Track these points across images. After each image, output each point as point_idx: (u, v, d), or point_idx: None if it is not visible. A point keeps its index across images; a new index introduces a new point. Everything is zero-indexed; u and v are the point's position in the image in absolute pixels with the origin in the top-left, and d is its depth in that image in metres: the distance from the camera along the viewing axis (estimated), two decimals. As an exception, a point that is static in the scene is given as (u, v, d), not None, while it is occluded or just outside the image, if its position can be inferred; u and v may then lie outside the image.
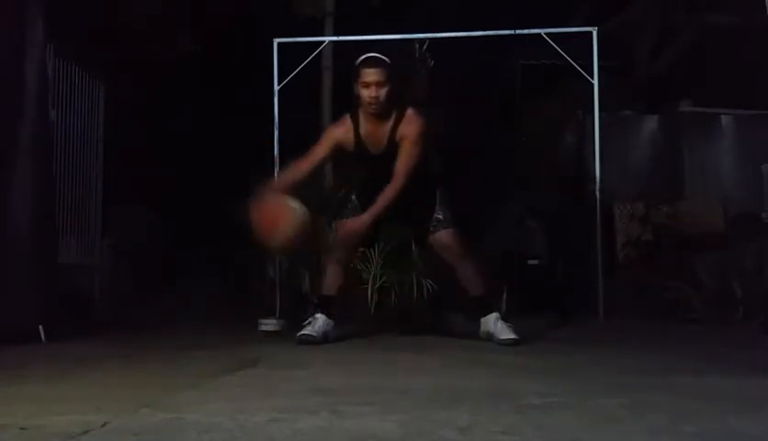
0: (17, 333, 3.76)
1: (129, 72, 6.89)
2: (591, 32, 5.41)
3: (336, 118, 6.54)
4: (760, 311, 4.64)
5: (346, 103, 6.68)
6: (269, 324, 4.87)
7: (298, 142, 5.94)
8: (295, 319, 4.72)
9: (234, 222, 6.07)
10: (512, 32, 5.58)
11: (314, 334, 3.82)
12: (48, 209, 4.26)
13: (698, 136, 6.89)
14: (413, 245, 4.46)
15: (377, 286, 5.32)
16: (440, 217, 3.99)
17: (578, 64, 5.45)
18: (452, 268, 4.01)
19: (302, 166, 4.04)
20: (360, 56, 3.95)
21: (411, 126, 3.91)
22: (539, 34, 5.45)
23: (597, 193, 5.29)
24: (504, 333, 3.81)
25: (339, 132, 4.03)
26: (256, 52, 5.93)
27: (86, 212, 5.73)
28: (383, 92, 3.86)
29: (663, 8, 7.98)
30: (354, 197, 4.14)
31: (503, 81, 8.85)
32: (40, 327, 3.88)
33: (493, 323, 3.87)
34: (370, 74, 3.87)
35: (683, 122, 6.98)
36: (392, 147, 3.92)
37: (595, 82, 5.38)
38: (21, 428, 1.82)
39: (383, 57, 3.93)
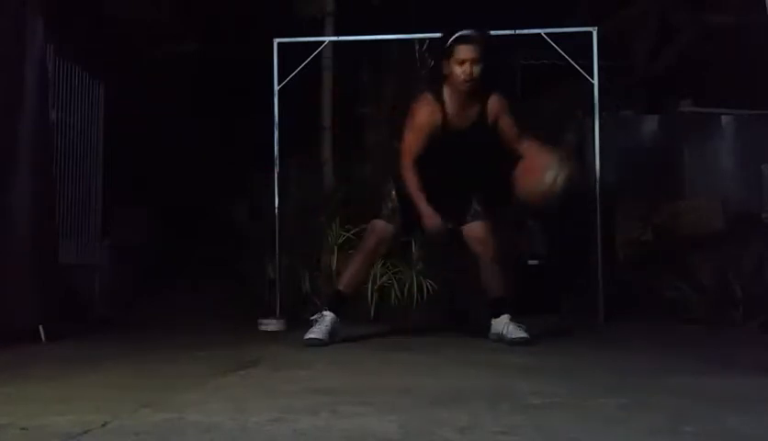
0: (17, 333, 3.76)
1: (129, 72, 6.88)
2: (591, 32, 5.41)
3: (336, 117, 6.58)
4: (760, 311, 4.64)
5: (346, 103, 6.71)
6: (269, 324, 4.87)
7: (298, 142, 5.96)
8: (295, 319, 4.73)
9: (234, 222, 6.10)
10: (512, 32, 5.58)
11: (321, 337, 3.82)
12: (48, 209, 4.26)
13: (698, 136, 6.88)
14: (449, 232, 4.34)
15: (377, 286, 5.34)
16: (478, 208, 4.01)
17: (578, 64, 5.45)
18: (479, 262, 3.99)
19: (409, 160, 3.93)
20: (453, 34, 3.91)
21: (499, 105, 3.97)
22: (539, 34, 5.45)
23: (597, 193, 5.28)
24: (515, 332, 3.81)
25: (428, 118, 3.94)
26: (256, 52, 5.92)
27: (86, 212, 5.73)
28: (477, 69, 3.85)
29: (663, 8, 7.97)
30: (394, 193, 4.05)
31: (503, 81, 8.84)
32: (40, 327, 3.88)
33: (504, 325, 3.87)
34: (466, 51, 3.85)
35: (683, 122, 6.97)
36: (479, 127, 3.93)
37: (595, 82, 5.37)
38: (21, 428, 1.82)
39: (478, 34, 3.92)
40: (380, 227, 4.03)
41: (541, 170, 3.71)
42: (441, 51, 4.01)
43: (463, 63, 3.84)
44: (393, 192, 4.06)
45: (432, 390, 2.41)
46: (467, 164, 4.01)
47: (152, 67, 7.47)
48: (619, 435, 1.77)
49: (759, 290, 4.86)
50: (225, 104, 8.15)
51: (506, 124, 3.98)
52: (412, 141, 3.93)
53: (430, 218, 3.85)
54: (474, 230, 3.98)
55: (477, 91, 3.92)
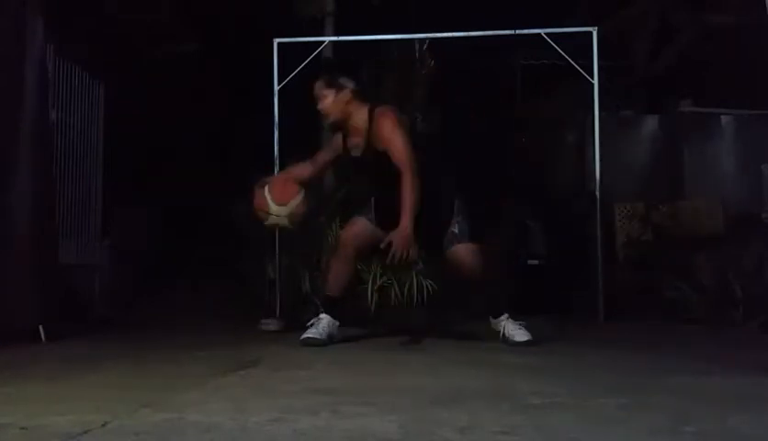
0: (17, 333, 3.76)
1: (129, 72, 6.89)
2: (591, 32, 5.41)
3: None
4: (760, 311, 4.64)
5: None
6: (269, 324, 4.87)
7: (298, 142, 5.96)
8: (295, 319, 4.72)
9: (234, 222, 6.09)
10: (512, 32, 5.58)
11: (318, 337, 3.81)
12: (48, 209, 4.25)
13: (698, 136, 6.89)
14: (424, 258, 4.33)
15: (377, 286, 5.33)
16: (455, 231, 3.85)
17: (578, 64, 5.45)
18: (469, 283, 3.99)
19: (307, 168, 4.14)
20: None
21: (383, 124, 3.83)
22: (539, 34, 5.46)
23: (597, 193, 5.29)
24: (518, 334, 3.80)
25: (337, 140, 4.09)
26: (256, 52, 5.92)
27: (86, 212, 5.73)
28: (324, 103, 3.93)
29: (663, 8, 7.98)
30: (373, 198, 4.07)
31: (503, 81, 8.85)
32: (40, 327, 3.88)
33: (504, 324, 3.87)
34: (314, 91, 4.00)
35: (683, 122, 6.98)
36: (372, 152, 3.87)
37: (595, 82, 5.38)
38: (21, 428, 1.82)
39: (322, 71, 4.10)
40: (352, 223, 4.06)
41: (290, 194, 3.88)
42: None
43: (317, 101, 3.98)
44: (372, 200, 4.09)
45: (432, 390, 2.41)
46: (385, 186, 3.88)
47: (152, 67, 7.48)
48: (619, 435, 1.77)
49: (759, 290, 4.87)
50: (225, 104, 8.16)
51: (392, 150, 3.78)
52: (322, 152, 4.20)
53: (402, 243, 3.66)
54: (453, 255, 3.86)
55: (343, 119, 3.93)
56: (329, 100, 3.91)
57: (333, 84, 3.93)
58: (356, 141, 3.94)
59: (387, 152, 3.79)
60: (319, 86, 3.97)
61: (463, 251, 3.83)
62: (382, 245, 3.73)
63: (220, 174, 7.34)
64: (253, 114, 6.23)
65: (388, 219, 3.84)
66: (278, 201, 3.89)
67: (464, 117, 7.44)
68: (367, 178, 4.15)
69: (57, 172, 5.03)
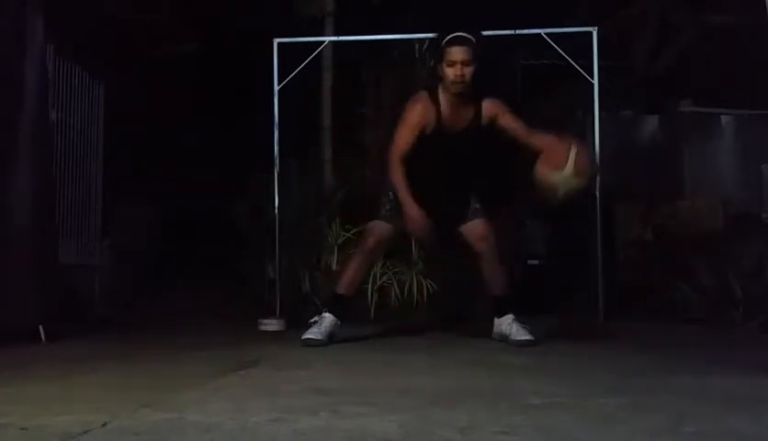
0: (17, 333, 3.76)
1: (129, 72, 6.88)
2: (591, 32, 5.41)
3: (336, 117, 6.58)
4: (760, 311, 4.64)
5: (346, 103, 6.70)
6: (269, 324, 4.87)
7: (298, 142, 5.96)
8: (295, 319, 4.72)
9: (234, 222, 6.09)
10: (512, 32, 5.58)
11: (319, 337, 3.81)
12: (48, 209, 4.25)
13: (698, 136, 6.89)
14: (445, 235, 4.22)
15: (377, 286, 5.34)
16: (477, 206, 3.99)
17: (578, 64, 5.45)
18: (480, 261, 3.97)
19: (398, 160, 3.89)
20: (446, 36, 3.87)
21: (494, 106, 3.95)
22: (539, 34, 5.45)
23: (597, 193, 5.28)
24: (520, 333, 3.81)
25: (420, 116, 3.91)
26: (256, 52, 5.92)
27: (86, 212, 5.73)
28: (468, 71, 3.83)
29: (663, 8, 7.97)
30: (392, 194, 3.99)
31: (503, 81, 8.84)
32: (40, 327, 3.88)
33: (508, 324, 3.86)
34: (457, 53, 3.82)
35: (683, 122, 6.97)
36: (473, 129, 3.92)
37: (595, 82, 5.37)
38: (21, 428, 1.82)
39: (469, 36, 3.88)
40: (379, 228, 4.00)
41: (564, 156, 3.68)
42: (435, 54, 4.02)
43: (453, 65, 3.83)
44: (391, 193, 4.01)
45: (432, 390, 2.41)
46: (462, 166, 4.00)
47: (152, 67, 7.47)
48: (619, 435, 1.77)
49: (759, 290, 4.86)
50: (225, 104, 8.15)
51: (508, 121, 3.95)
52: (403, 138, 3.90)
53: (415, 220, 3.79)
54: (475, 228, 3.96)
55: (470, 93, 3.91)
56: (470, 69, 3.83)
57: (474, 55, 3.85)
58: (462, 115, 3.93)
59: (491, 128, 3.91)
60: (468, 52, 3.83)
61: (483, 225, 3.96)
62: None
63: (220, 174, 7.34)
64: (253, 114, 6.22)
65: (447, 205, 3.93)
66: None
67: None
68: (450, 154, 3.96)
69: (57, 172, 5.03)
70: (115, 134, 6.09)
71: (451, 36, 3.87)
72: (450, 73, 3.84)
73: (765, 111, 6.46)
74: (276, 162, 5.43)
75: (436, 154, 3.90)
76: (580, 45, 5.54)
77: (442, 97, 3.93)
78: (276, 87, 5.52)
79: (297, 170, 6.03)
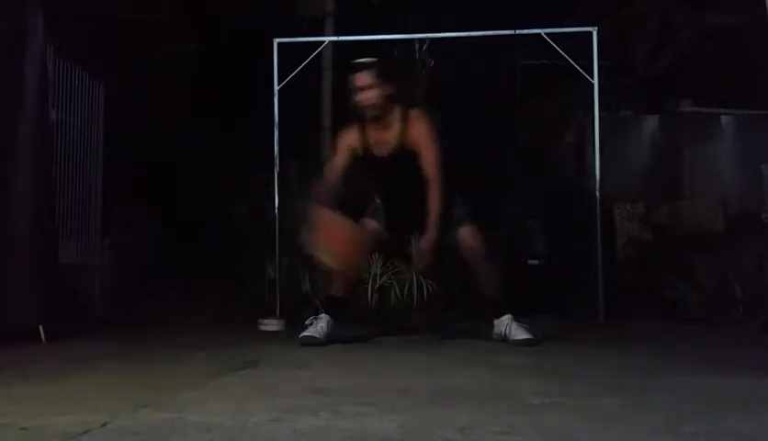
0: (17, 333, 3.76)
1: (129, 72, 6.88)
2: (591, 32, 5.41)
3: (337, 117, 6.58)
4: (760, 311, 4.64)
5: (346, 103, 6.70)
6: (269, 324, 4.87)
7: (298, 142, 5.96)
8: (295, 319, 4.73)
9: (234, 222, 6.09)
10: (512, 32, 5.58)
11: (316, 336, 3.81)
12: (48, 209, 4.25)
13: (698, 136, 6.89)
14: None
15: (377, 286, 5.34)
16: (460, 214, 3.98)
17: (578, 64, 5.45)
18: (469, 268, 3.97)
19: (331, 180, 3.96)
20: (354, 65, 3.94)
21: (419, 128, 3.88)
22: (539, 34, 5.46)
23: (597, 193, 5.29)
24: (519, 333, 3.81)
25: (350, 138, 3.98)
26: (256, 52, 5.92)
27: (86, 212, 5.73)
28: (373, 94, 3.85)
29: (663, 8, 7.98)
30: (379, 200, 4.07)
31: (503, 81, 8.85)
32: (40, 327, 3.88)
33: (507, 325, 3.86)
34: (358, 79, 3.88)
35: (683, 122, 6.97)
36: (402, 151, 3.88)
37: (595, 82, 5.38)
38: (21, 428, 1.82)
39: (370, 60, 3.92)
40: (367, 225, 4.03)
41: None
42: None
43: (358, 91, 3.87)
44: (378, 200, 4.08)
45: (432, 390, 2.41)
46: (408, 188, 3.90)
47: (152, 67, 7.47)
48: (619, 435, 1.77)
49: (759, 290, 4.86)
50: (225, 104, 8.15)
51: (424, 155, 3.85)
52: (334, 159, 4.01)
53: (430, 248, 3.79)
54: (459, 236, 3.92)
55: (387, 114, 3.89)
56: (374, 92, 3.85)
57: (380, 77, 3.87)
58: (387, 139, 3.91)
59: (416, 155, 3.83)
60: (365, 77, 3.86)
61: (466, 233, 3.91)
62: (414, 253, 3.78)
63: (220, 174, 7.34)
64: (253, 114, 6.22)
65: (397, 220, 3.91)
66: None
67: (463, 117, 7.43)
68: (381, 178, 4.05)
69: (57, 172, 5.03)
70: (115, 134, 6.09)
71: (353, 63, 3.95)
72: (357, 99, 3.89)
73: (765, 111, 6.46)
74: (276, 162, 5.43)
75: (384, 177, 3.98)
76: (580, 45, 5.55)
77: (367, 123, 3.95)
78: (276, 87, 5.52)
79: (297, 170, 6.03)
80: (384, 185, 4.04)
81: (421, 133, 3.87)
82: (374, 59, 3.92)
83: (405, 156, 3.86)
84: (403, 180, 3.87)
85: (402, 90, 3.96)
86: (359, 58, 4.00)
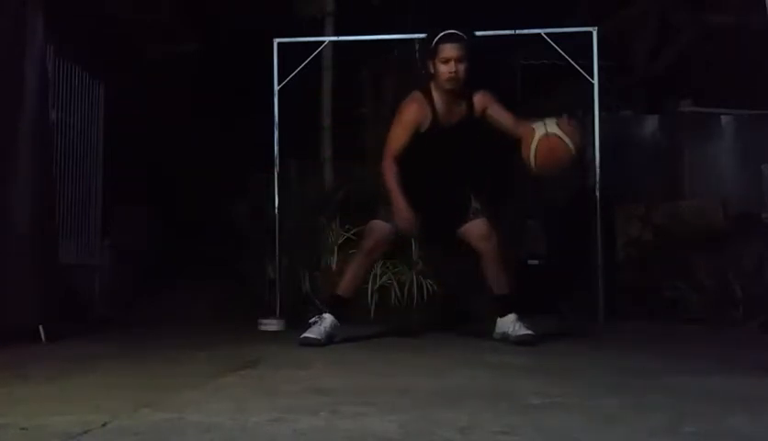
0: (17, 333, 3.76)
1: (129, 72, 6.88)
2: (591, 32, 5.41)
3: (337, 117, 6.58)
4: (760, 311, 4.64)
5: (346, 103, 6.70)
6: (269, 324, 4.87)
7: (298, 142, 5.96)
8: (295, 319, 4.73)
9: (234, 222, 6.09)
10: (512, 32, 5.58)
11: (318, 337, 3.81)
12: (48, 209, 4.25)
13: (698, 136, 6.89)
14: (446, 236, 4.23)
15: (377, 286, 5.33)
16: (477, 206, 4.00)
17: (578, 64, 5.44)
18: (481, 260, 3.96)
19: (396, 154, 3.91)
20: (438, 34, 3.92)
21: (485, 99, 3.98)
22: (539, 34, 5.45)
23: (597, 193, 5.28)
24: (522, 330, 3.81)
25: (416, 114, 3.95)
26: (256, 52, 5.92)
27: (86, 212, 5.73)
28: (462, 67, 3.87)
29: (663, 8, 7.97)
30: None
31: (503, 81, 8.84)
32: (40, 327, 3.88)
33: (511, 324, 3.87)
34: (450, 50, 3.87)
35: (683, 122, 6.97)
36: (468, 123, 3.96)
37: (595, 82, 5.37)
38: (21, 428, 1.82)
39: (462, 34, 3.92)
40: (379, 227, 4.00)
41: (529, 134, 3.70)
42: (427, 51, 4.04)
43: (447, 62, 3.87)
44: None
45: (432, 390, 2.41)
46: (460, 163, 4.02)
47: (152, 67, 7.47)
48: (619, 435, 1.77)
49: (759, 290, 4.86)
50: (225, 104, 8.15)
51: (496, 111, 3.98)
52: (398, 136, 3.93)
53: (403, 216, 3.81)
54: (477, 228, 3.95)
55: (463, 89, 3.94)
56: (462, 66, 3.88)
57: (468, 52, 3.89)
58: (458, 111, 3.97)
59: (483, 122, 3.95)
60: (460, 49, 3.87)
61: (484, 224, 3.95)
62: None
63: (220, 174, 7.34)
64: (253, 114, 6.22)
65: (450, 190, 3.98)
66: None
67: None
68: (444, 148, 3.98)
69: (57, 172, 5.03)
70: (115, 134, 6.09)
71: (444, 33, 3.91)
72: (444, 69, 3.87)
73: (765, 111, 6.46)
74: (276, 162, 5.43)
75: (434, 152, 3.92)
76: (580, 45, 5.54)
77: (435, 95, 3.96)
78: (276, 87, 5.51)
79: (297, 170, 6.03)
80: (447, 156, 3.99)
81: (488, 100, 3.99)
82: (463, 34, 3.92)
83: (473, 124, 3.95)
84: (470, 148, 3.97)
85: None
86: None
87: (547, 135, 3.66)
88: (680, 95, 7.23)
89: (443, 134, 3.94)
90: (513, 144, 3.95)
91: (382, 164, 3.91)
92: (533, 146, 3.67)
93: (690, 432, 1.77)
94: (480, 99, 3.99)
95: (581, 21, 6.02)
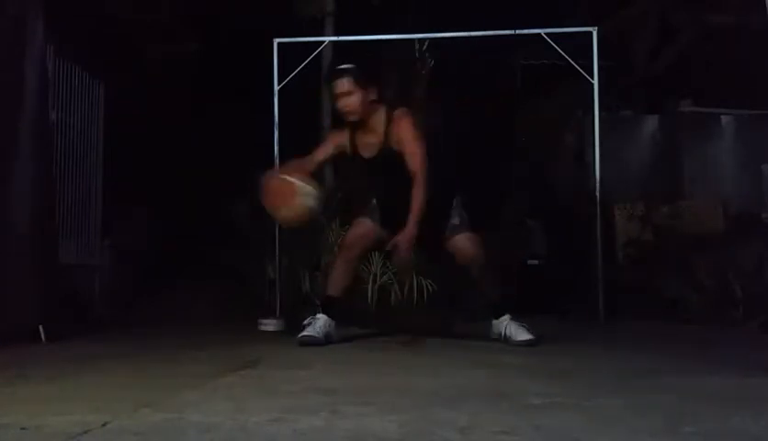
0: (17, 333, 3.76)
1: (129, 72, 6.88)
2: (591, 32, 5.41)
3: (337, 117, 6.59)
4: (760, 311, 4.64)
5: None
6: (269, 324, 4.87)
7: (298, 142, 5.96)
8: (295, 319, 4.73)
9: (234, 222, 6.09)
10: (512, 32, 5.58)
11: (315, 335, 3.82)
12: (48, 209, 4.25)
13: (698, 136, 6.89)
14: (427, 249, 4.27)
15: (377, 286, 5.34)
16: (456, 222, 3.95)
17: (578, 64, 5.45)
18: (467, 274, 3.98)
19: (306, 165, 4.01)
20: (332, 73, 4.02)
21: (402, 127, 3.90)
22: (539, 34, 5.45)
23: (597, 193, 5.28)
24: (519, 334, 3.81)
25: (339, 137, 4.08)
26: (256, 52, 5.92)
27: (86, 212, 5.73)
28: (352, 100, 3.89)
29: (663, 8, 7.98)
30: (374, 201, 4.09)
31: (503, 81, 8.85)
32: (40, 327, 3.88)
33: (506, 325, 3.87)
34: (336, 87, 3.94)
35: (683, 122, 6.98)
36: (388, 152, 3.90)
37: (595, 82, 5.37)
38: (21, 428, 1.81)
39: (348, 66, 3.96)
40: (357, 224, 4.07)
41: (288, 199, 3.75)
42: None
43: (337, 98, 3.94)
44: (374, 200, 4.10)
45: (432, 390, 2.41)
46: (397, 188, 3.89)
47: (152, 67, 7.47)
48: (619, 435, 1.77)
49: (759, 290, 4.86)
50: (225, 104, 8.15)
51: (407, 153, 3.87)
52: (318, 149, 4.12)
53: (406, 246, 3.78)
54: (455, 244, 3.93)
55: (368, 117, 3.92)
56: (355, 98, 3.89)
57: (359, 83, 3.90)
58: (372, 141, 3.95)
59: (402, 154, 3.86)
60: (344, 84, 3.90)
61: (463, 239, 3.91)
62: (388, 247, 3.84)
63: (220, 174, 7.34)
64: (253, 114, 6.22)
65: (391, 219, 3.90)
66: (304, 180, 3.76)
67: (463, 116, 7.44)
68: (373, 178, 4.12)
69: (57, 172, 5.03)
70: (115, 134, 6.09)
71: (332, 71, 4.05)
72: (338, 106, 3.96)
73: (765, 111, 6.47)
74: (276, 162, 5.43)
75: (372, 177, 4.04)
76: (580, 45, 5.55)
77: (348, 127, 4.02)
78: (276, 87, 5.52)
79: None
80: (375, 185, 4.08)
81: (404, 132, 3.89)
82: (351, 65, 3.96)
83: (391, 156, 3.89)
84: (392, 180, 3.90)
85: (386, 91, 3.99)
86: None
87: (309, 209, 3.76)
88: (680, 95, 7.24)
89: (370, 163, 3.98)
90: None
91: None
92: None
93: (690, 432, 1.77)
94: (396, 126, 3.90)
95: (581, 21, 6.03)
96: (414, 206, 3.77)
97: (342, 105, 3.92)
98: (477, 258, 3.91)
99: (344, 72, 3.94)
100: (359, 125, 3.96)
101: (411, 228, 3.75)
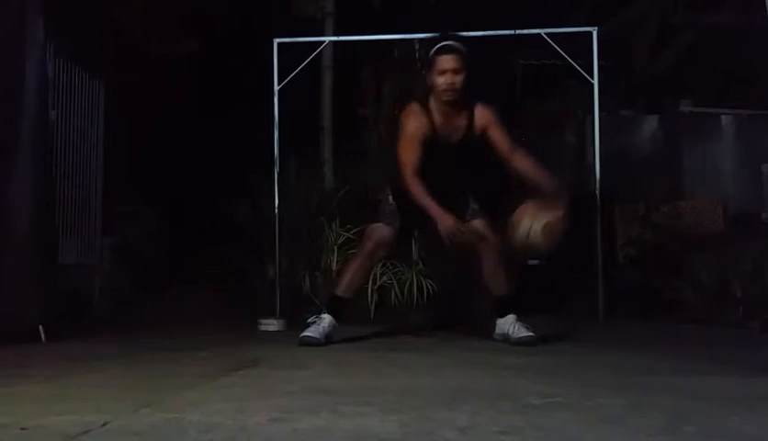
0: (17, 333, 3.76)
1: (129, 71, 6.89)
2: (591, 32, 5.41)
3: (337, 117, 6.58)
4: (760, 311, 4.64)
5: (347, 103, 6.70)
6: (269, 324, 4.87)
7: (298, 142, 5.96)
8: (295, 319, 4.73)
9: (234, 222, 6.09)
10: (512, 32, 5.58)
11: (317, 336, 3.81)
12: (48, 209, 4.26)
13: (698, 136, 6.89)
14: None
15: (377, 286, 5.34)
16: (476, 207, 4.00)
17: (578, 64, 5.45)
18: (481, 260, 3.95)
19: (413, 176, 3.81)
20: (435, 46, 3.89)
21: (486, 116, 3.93)
22: (539, 34, 5.45)
23: (597, 193, 5.28)
24: (522, 331, 3.81)
25: (417, 128, 3.89)
26: (256, 52, 5.92)
27: (86, 212, 5.73)
28: (459, 79, 3.83)
29: (663, 8, 7.98)
30: (391, 198, 4.02)
31: (503, 81, 8.84)
32: (40, 327, 3.88)
33: (511, 324, 3.86)
34: (446, 61, 3.83)
35: (683, 122, 6.97)
36: (468, 138, 3.92)
37: (595, 82, 5.37)
38: (21, 428, 1.81)
39: (457, 44, 3.89)
40: (378, 230, 3.99)
41: (519, 222, 3.68)
42: (425, 63, 4.02)
43: (444, 73, 3.83)
44: (390, 196, 4.02)
45: (432, 390, 2.41)
46: (460, 173, 4.00)
47: (152, 67, 7.47)
48: (619, 435, 1.77)
49: (759, 290, 4.86)
50: (225, 104, 8.15)
51: (496, 137, 3.92)
52: (407, 152, 3.87)
53: (446, 223, 3.73)
54: (475, 229, 3.93)
55: (463, 100, 3.90)
56: (461, 77, 3.83)
57: (465, 63, 3.85)
58: (462, 124, 3.93)
59: (483, 140, 3.90)
60: (456, 60, 3.83)
61: (483, 225, 3.95)
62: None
63: (221, 174, 7.34)
64: (253, 114, 6.22)
65: (453, 204, 3.89)
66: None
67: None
68: (445, 162, 3.95)
69: (57, 172, 5.04)
70: (115, 134, 6.09)
71: (440, 45, 3.88)
72: (441, 81, 3.84)
73: (765, 111, 6.47)
74: (276, 162, 5.43)
75: (432, 162, 3.87)
76: (580, 45, 5.55)
77: (434, 106, 3.92)
78: (276, 87, 5.51)
79: (297, 170, 6.03)
80: (445, 168, 3.94)
81: (489, 119, 3.92)
82: (459, 43, 3.88)
83: (473, 142, 3.91)
84: (468, 161, 3.93)
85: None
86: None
87: (527, 238, 3.67)
88: (680, 95, 7.23)
89: (442, 148, 3.91)
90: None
91: (406, 183, 3.82)
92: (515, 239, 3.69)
93: (690, 432, 1.77)
94: (481, 115, 3.93)
95: (581, 21, 6.03)
96: (537, 175, 3.81)
97: (448, 82, 3.82)
98: (494, 243, 3.91)
99: (456, 49, 3.85)
100: (450, 106, 3.89)
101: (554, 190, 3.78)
